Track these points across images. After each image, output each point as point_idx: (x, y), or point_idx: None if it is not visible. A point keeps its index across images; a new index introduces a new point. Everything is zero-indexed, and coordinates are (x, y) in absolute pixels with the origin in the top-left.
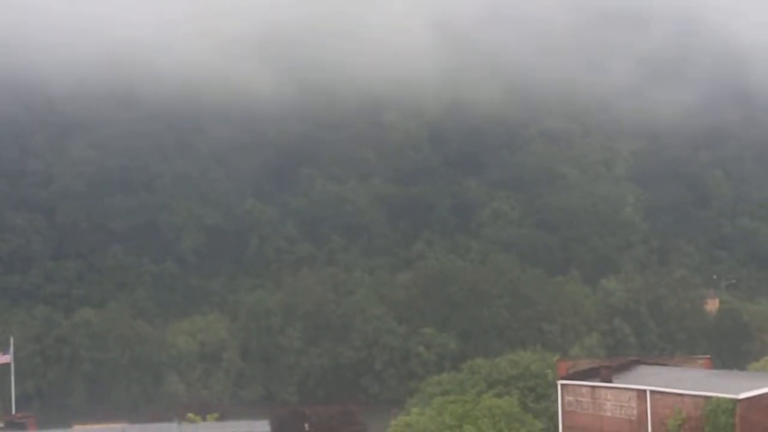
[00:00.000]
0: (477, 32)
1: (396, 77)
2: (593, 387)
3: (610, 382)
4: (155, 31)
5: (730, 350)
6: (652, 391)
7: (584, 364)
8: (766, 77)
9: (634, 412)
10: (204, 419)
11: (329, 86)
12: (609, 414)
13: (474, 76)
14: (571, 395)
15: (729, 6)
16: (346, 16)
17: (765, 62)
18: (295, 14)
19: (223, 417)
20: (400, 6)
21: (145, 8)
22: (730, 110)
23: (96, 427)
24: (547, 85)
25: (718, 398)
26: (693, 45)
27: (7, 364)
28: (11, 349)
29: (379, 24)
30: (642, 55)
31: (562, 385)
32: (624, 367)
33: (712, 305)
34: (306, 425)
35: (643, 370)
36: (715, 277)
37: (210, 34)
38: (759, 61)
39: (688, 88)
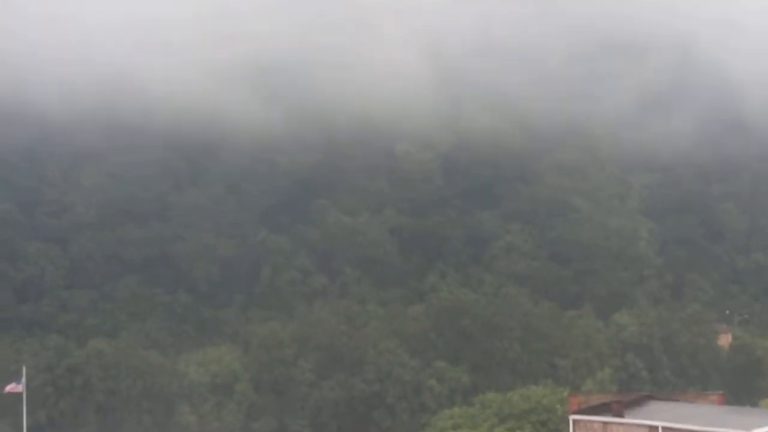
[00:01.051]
0: (472, 62)
1: (397, 108)
2: (605, 422)
3: (622, 417)
4: (163, 59)
5: (742, 386)
6: (664, 427)
7: (596, 398)
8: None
9: None
10: None
11: (331, 116)
12: None
13: (473, 107)
14: (583, 430)
15: (723, 36)
16: (340, 47)
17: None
18: (291, 45)
19: None
20: (392, 37)
21: (149, 37)
22: (742, 143)
23: None
24: (549, 115)
25: None
26: (690, 76)
27: (20, 394)
28: (23, 378)
29: (374, 55)
30: (640, 86)
31: (574, 420)
32: (636, 403)
33: (725, 340)
34: None
35: (656, 406)
36: (728, 312)
37: (216, 63)
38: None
39: (690, 120)
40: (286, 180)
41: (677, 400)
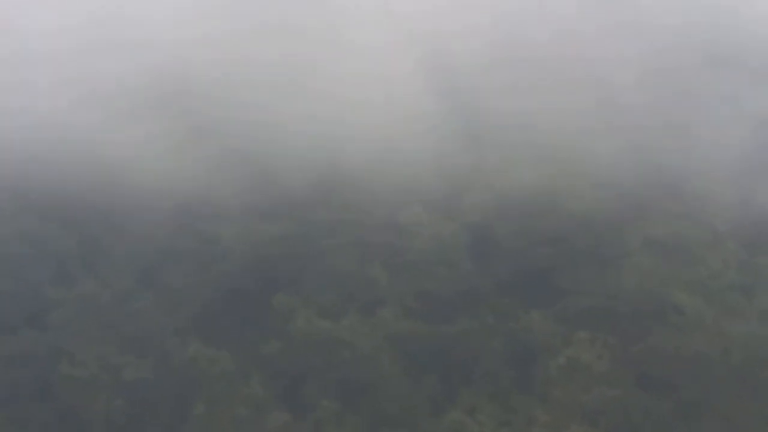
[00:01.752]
0: (490, 81)
1: (392, 155)
2: None
3: None
4: (36, 89)
5: None
6: None
7: None
8: None
9: None
10: None
11: (295, 167)
12: None
13: (506, 152)
14: None
15: None
16: (300, 63)
17: None
18: (227, 62)
19: None
20: (373, 47)
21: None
22: None
23: None
24: (628, 166)
25: None
26: None
27: None
28: None
29: (349, 71)
30: (762, 118)
31: None
32: None
33: None
34: None
35: None
36: None
37: (115, 95)
38: None
39: None
40: (230, 265)
41: None
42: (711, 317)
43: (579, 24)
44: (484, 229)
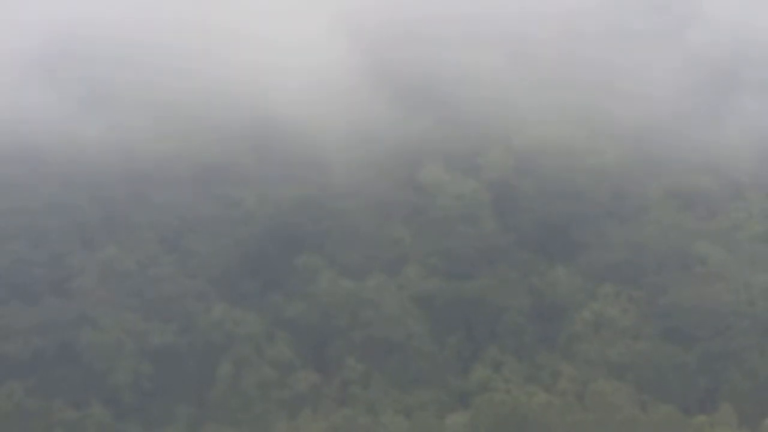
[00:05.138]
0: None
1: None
2: None
3: None
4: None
5: None
6: None
7: None
8: None
9: None
10: None
11: (317, 126)
12: None
13: (533, 104)
14: None
15: None
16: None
17: None
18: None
19: None
20: None
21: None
22: None
23: None
24: (648, 118)
25: None
26: None
27: None
28: None
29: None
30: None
31: None
32: None
33: None
34: None
35: None
36: None
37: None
38: None
39: None
40: (254, 227)
41: None
42: (735, 269)
43: None
44: (505, 186)
